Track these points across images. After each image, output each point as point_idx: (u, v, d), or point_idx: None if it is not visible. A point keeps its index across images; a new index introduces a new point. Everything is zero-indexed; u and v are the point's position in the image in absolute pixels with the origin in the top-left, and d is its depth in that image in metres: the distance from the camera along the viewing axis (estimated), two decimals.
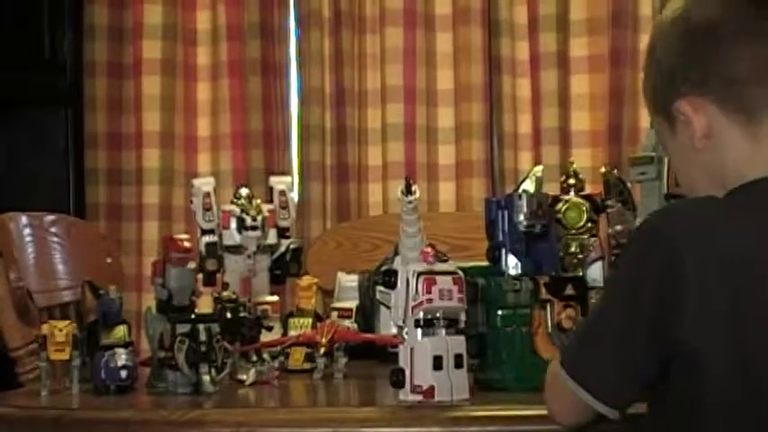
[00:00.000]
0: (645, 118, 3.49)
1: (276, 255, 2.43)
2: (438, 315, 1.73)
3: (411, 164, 3.70)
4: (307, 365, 2.18)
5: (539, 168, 2.10)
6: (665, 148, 1.62)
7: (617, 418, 1.50)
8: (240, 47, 3.81)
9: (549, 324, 1.98)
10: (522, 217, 1.94)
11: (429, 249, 1.78)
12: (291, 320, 2.33)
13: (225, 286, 2.27)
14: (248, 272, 2.38)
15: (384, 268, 1.99)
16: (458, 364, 1.73)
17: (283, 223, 2.44)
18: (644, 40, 3.60)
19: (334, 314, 2.36)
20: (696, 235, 1.42)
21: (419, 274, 1.73)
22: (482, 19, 3.70)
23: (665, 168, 1.98)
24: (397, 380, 1.72)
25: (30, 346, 2.39)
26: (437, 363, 1.71)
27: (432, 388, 1.71)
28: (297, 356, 2.21)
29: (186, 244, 2.06)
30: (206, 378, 1.92)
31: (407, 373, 1.72)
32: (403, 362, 1.73)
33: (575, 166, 2.32)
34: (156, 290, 2.04)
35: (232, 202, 2.38)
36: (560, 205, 2.22)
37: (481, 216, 2.00)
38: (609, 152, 3.58)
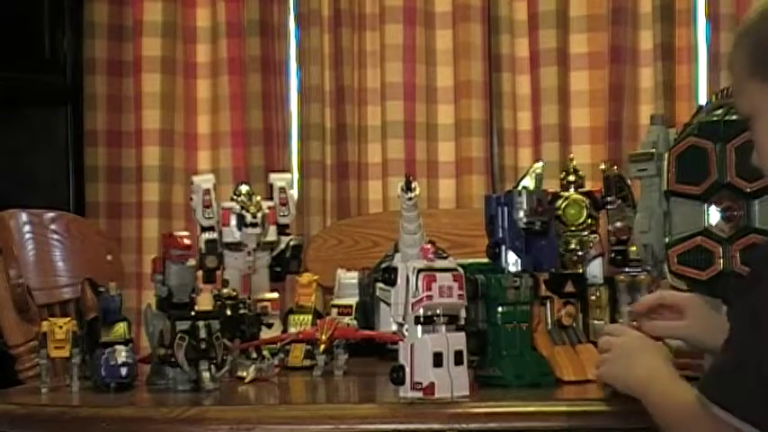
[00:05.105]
0: (644, 114, 3.49)
1: (276, 252, 2.44)
2: (438, 312, 1.73)
3: (411, 161, 3.70)
4: (307, 362, 2.18)
5: (538, 165, 2.09)
6: (753, 119, 1.57)
7: None
8: (240, 44, 3.81)
9: (549, 321, 1.98)
10: (521, 214, 1.94)
11: (429, 246, 1.78)
12: (291, 317, 2.33)
13: (225, 283, 2.27)
14: (248, 269, 2.38)
15: (384, 265, 1.99)
16: (458, 361, 1.73)
17: (283, 220, 2.45)
18: (644, 37, 3.61)
19: (334, 311, 2.36)
20: None
21: (419, 270, 1.73)
22: (482, 16, 3.70)
23: (665, 165, 1.98)
24: (398, 377, 1.72)
25: (30, 344, 2.40)
26: (437, 360, 1.71)
27: (432, 385, 1.71)
28: (297, 353, 2.21)
29: (186, 241, 2.06)
30: (206, 375, 1.92)
31: (407, 369, 1.72)
32: (403, 359, 1.73)
33: (574, 162, 2.32)
34: (156, 287, 2.04)
35: (232, 200, 2.38)
36: (560, 202, 2.23)
37: (481, 213, 2.00)
38: (608, 149, 3.57)
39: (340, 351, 2.11)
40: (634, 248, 2.15)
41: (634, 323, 1.85)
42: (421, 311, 1.72)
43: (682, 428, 1.56)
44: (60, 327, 2.01)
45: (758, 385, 1.45)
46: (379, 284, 1.79)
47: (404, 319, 1.73)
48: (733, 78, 1.62)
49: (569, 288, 2.15)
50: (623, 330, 1.79)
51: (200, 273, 2.21)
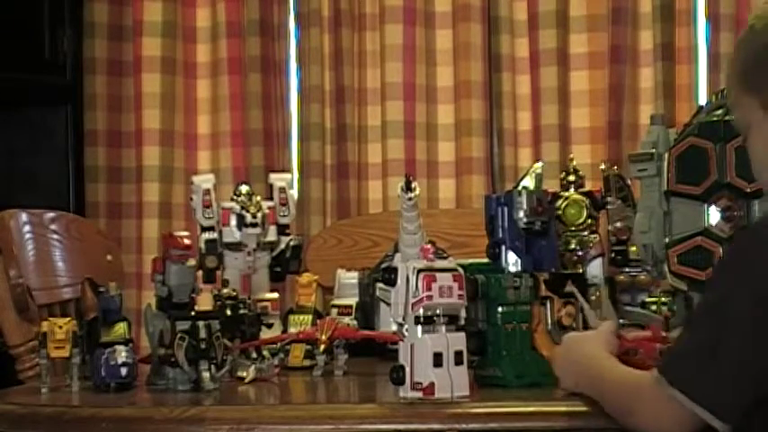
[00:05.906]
0: (644, 114, 3.49)
1: (276, 252, 2.44)
2: (438, 312, 1.73)
3: (411, 161, 3.70)
4: (307, 362, 2.18)
5: (538, 165, 2.10)
6: (747, 131, 1.60)
7: None
8: (240, 44, 3.81)
9: (549, 321, 1.98)
10: (521, 214, 1.94)
11: (429, 246, 1.78)
12: (291, 317, 2.33)
13: (225, 283, 2.27)
14: (248, 269, 2.38)
15: (384, 265, 2.00)
16: (458, 361, 1.73)
17: (283, 220, 2.45)
18: (644, 37, 3.61)
19: (334, 311, 2.36)
20: None
21: (419, 270, 1.73)
22: (482, 16, 3.70)
23: (665, 165, 1.99)
24: (398, 377, 1.73)
25: (30, 344, 2.39)
26: (437, 360, 1.71)
27: (432, 385, 1.71)
28: (297, 353, 2.21)
29: (186, 241, 2.06)
30: (206, 375, 1.92)
31: (407, 370, 1.72)
32: (403, 359, 1.73)
33: (574, 162, 2.32)
34: (156, 287, 2.04)
35: (232, 200, 2.38)
36: (560, 202, 2.23)
37: (481, 213, 2.00)
38: (608, 149, 3.57)
39: (340, 351, 2.11)
40: (634, 248, 2.15)
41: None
42: (421, 311, 1.72)
43: (633, 410, 1.57)
44: (60, 327, 2.01)
45: (714, 369, 1.47)
46: (379, 284, 1.79)
47: (404, 319, 1.73)
48: (730, 91, 1.65)
49: (569, 288, 2.15)
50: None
51: (200, 273, 2.21)
